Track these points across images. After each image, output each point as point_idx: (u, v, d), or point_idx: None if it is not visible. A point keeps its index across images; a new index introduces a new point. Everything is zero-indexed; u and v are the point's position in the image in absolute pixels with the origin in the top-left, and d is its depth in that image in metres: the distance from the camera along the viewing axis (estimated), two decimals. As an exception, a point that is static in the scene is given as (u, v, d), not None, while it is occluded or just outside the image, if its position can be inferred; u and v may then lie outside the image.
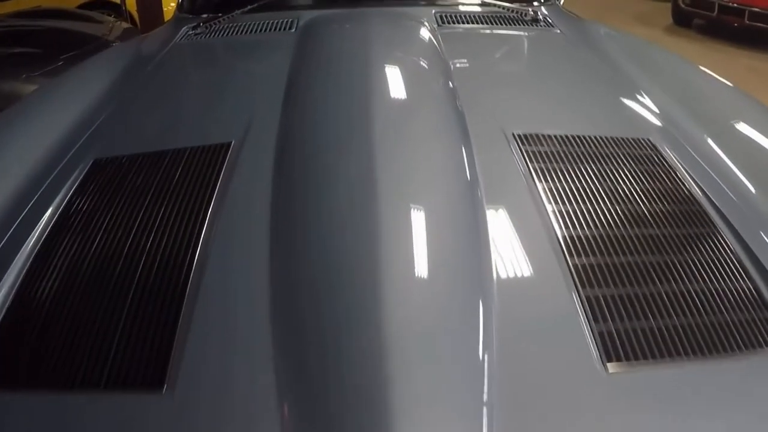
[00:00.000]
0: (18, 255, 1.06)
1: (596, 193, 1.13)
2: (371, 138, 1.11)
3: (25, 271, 1.03)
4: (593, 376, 0.80)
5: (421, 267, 0.89)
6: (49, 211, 1.17)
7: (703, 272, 0.98)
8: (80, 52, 3.97)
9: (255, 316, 0.87)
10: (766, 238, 1.08)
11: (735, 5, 7.51)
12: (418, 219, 0.98)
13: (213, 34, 2.03)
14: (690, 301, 0.92)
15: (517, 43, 2.03)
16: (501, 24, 2.07)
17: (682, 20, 8.52)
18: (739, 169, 1.26)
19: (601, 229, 1.04)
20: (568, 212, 1.07)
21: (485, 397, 0.76)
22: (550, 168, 1.18)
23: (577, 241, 1.00)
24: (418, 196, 1.03)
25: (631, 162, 1.24)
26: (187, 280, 0.94)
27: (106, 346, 0.86)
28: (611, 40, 2.04)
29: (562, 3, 2.42)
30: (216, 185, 1.14)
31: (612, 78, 1.73)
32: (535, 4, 2.24)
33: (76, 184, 1.24)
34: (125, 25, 5.16)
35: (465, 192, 1.09)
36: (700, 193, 1.19)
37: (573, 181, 1.15)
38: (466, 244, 0.97)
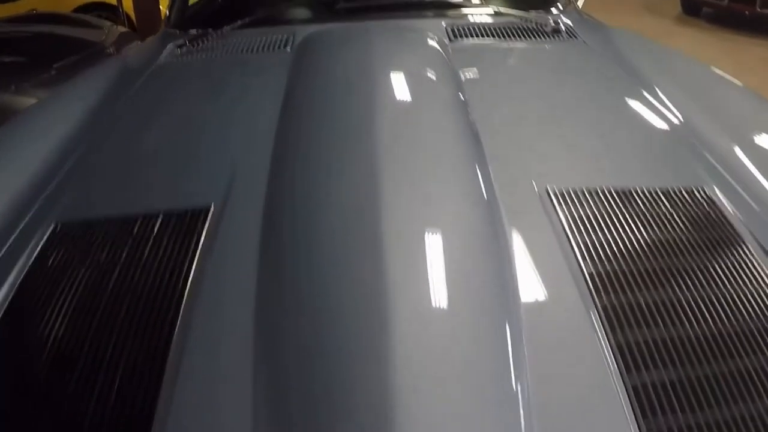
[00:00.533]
0: None
1: (651, 272, 0.95)
2: (376, 175, 1.00)
3: None
4: None
5: (438, 302, 0.81)
6: (4, 289, 1.02)
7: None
8: (76, 59, 3.87)
9: (242, 409, 0.75)
10: None
11: (746, -7, 7.35)
12: (431, 246, 0.89)
13: (200, 52, 1.86)
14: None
15: (539, 60, 1.79)
16: (520, 37, 1.85)
17: (691, 9, 8.36)
18: None
19: (661, 330, 0.86)
20: (618, 306, 0.89)
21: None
22: (589, 237, 1.01)
23: (636, 350, 0.83)
24: (429, 224, 0.94)
25: (688, 223, 1.05)
26: (160, 378, 0.81)
27: None
28: (642, 53, 1.80)
29: (581, 5, 2.25)
30: (194, 258, 1.00)
31: (648, 102, 1.51)
32: (554, 11, 2.06)
33: (35, 255, 1.07)
34: (122, 29, 5.02)
35: (485, 223, 0.99)
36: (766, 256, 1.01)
37: (619, 262, 0.97)
38: (487, 272, 0.89)
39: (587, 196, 1.09)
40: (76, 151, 1.42)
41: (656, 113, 1.45)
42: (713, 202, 1.11)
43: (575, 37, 1.89)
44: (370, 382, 0.70)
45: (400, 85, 1.33)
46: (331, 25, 1.86)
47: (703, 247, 1.01)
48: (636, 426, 0.73)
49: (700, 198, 1.12)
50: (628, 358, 0.81)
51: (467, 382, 0.72)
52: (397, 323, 0.75)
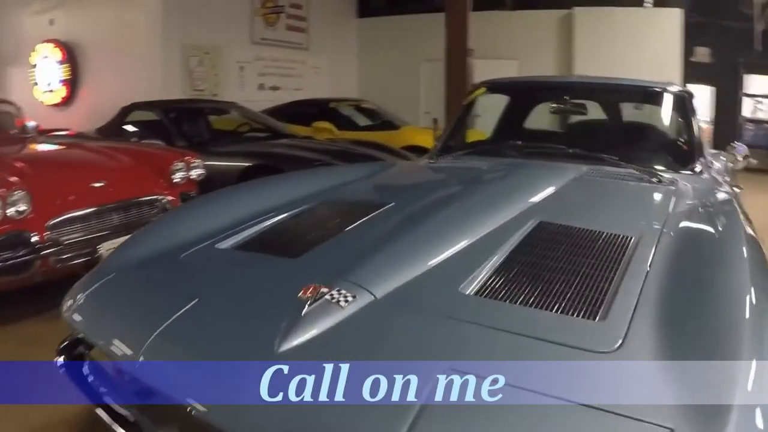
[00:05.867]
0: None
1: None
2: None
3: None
4: None
5: None
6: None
7: None
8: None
9: None
10: None
11: None
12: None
13: (444, 162, 3.22)
14: None
15: (624, 190, 2.49)
16: (630, 180, 2.57)
17: None
18: None
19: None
20: None
21: None
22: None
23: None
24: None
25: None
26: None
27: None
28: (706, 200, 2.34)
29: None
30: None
31: (648, 209, 2.25)
32: (687, 172, 2.76)
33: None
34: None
35: None
36: None
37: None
38: None
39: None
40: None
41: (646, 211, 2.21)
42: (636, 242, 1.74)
43: (670, 185, 2.52)
44: None
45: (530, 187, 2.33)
46: (519, 161, 2.90)
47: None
48: None
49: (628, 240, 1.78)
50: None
51: None
52: None
